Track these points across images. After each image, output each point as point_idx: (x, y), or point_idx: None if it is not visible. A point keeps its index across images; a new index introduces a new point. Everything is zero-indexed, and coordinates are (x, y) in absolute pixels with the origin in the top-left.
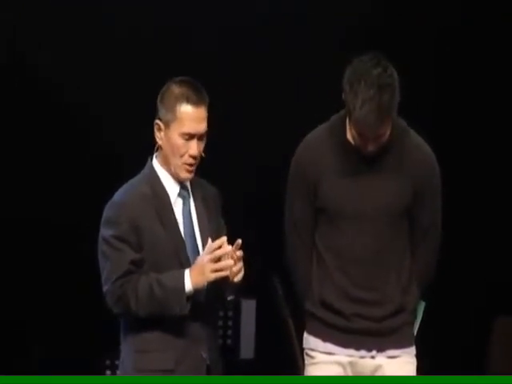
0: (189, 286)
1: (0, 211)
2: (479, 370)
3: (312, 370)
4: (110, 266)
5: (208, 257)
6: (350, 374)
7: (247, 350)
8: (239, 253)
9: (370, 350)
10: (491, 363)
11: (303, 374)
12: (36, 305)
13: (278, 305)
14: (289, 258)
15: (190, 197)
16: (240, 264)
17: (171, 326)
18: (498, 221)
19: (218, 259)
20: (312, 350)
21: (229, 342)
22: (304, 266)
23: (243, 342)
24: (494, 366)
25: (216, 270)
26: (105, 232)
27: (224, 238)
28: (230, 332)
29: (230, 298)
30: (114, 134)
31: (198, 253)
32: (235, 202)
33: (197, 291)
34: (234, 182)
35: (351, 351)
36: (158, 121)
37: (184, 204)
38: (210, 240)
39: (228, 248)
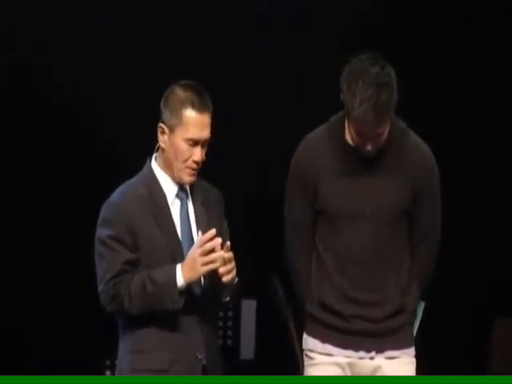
0: (181, 280)
1: (0, 211)
2: (479, 370)
3: (311, 370)
4: (104, 265)
5: (199, 250)
6: (348, 374)
7: (247, 350)
8: (228, 254)
9: (369, 350)
10: (491, 363)
11: (303, 374)
12: (36, 305)
13: (278, 305)
14: (288, 258)
15: (188, 198)
16: (230, 265)
17: (167, 326)
18: (498, 221)
19: (209, 252)
20: (311, 350)
21: (229, 342)
22: (303, 267)
23: (243, 343)
24: (493, 366)
25: (207, 263)
26: (101, 232)
27: (213, 231)
28: (230, 332)
29: (225, 299)
30: (114, 134)
31: None
32: (235, 202)
33: (189, 286)
34: (234, 182)
35: (350, 352)
36: (161, 124)
37: (182, 205)
38: (200, 233)
39: (219, 240)
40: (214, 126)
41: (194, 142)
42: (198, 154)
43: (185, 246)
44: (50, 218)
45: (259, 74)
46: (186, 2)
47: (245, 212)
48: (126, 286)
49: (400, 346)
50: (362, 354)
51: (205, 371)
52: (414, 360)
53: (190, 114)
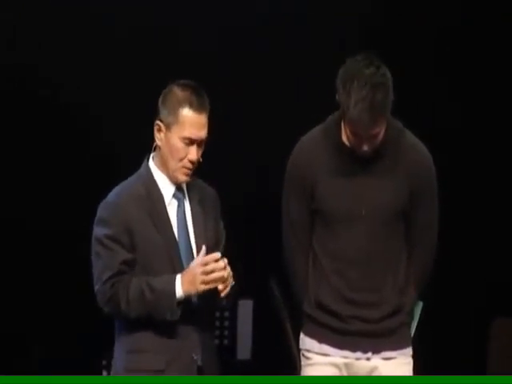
0: (180, 292)
1: (0, 211)
2: (479, 370)
3: (308, 370)
4: (101, 265)
5: (201, 269)
6: (345, 375)
7: (244, 350)
8: (227, 273)
9: (365, 351)
10: (491, 363)
11: (300, 374)
12: (36, 305)
13: (275, 306)
14: (286, 258)
15: (185, 198)
16: (228, 281)
17: (163, 327)
18: (498, 221)
19: (210, 272)
20: (308, 351)
21: (225, 342)
22: (301, 267)
23: (240, 343)
24: (493, 366)
25: (207, 283)
26: (98, 231)
27: (217, 254)
28: (226, 332)
29: (222, 303)
30: (114, 134)
31: (191, 255)
32: (235, 202)
33: (187, 297)
34: (234, 182)
35: (347, 353)
36: (158, 121)
37: (179, 205)
38: (204, 248)
39: (221, 264)
40: (214, 126)
41: (190, 141)
42: (193, 153)
43: (181, 246)
44: (50, 218)
45: (259, 74)
46: (186, 2)
47: (245, 212)
48: (125, 288)
49: (397, 346)
50: (358, 354)
51: (201, 372)
52: (411, 360)
53: (187, 113)
